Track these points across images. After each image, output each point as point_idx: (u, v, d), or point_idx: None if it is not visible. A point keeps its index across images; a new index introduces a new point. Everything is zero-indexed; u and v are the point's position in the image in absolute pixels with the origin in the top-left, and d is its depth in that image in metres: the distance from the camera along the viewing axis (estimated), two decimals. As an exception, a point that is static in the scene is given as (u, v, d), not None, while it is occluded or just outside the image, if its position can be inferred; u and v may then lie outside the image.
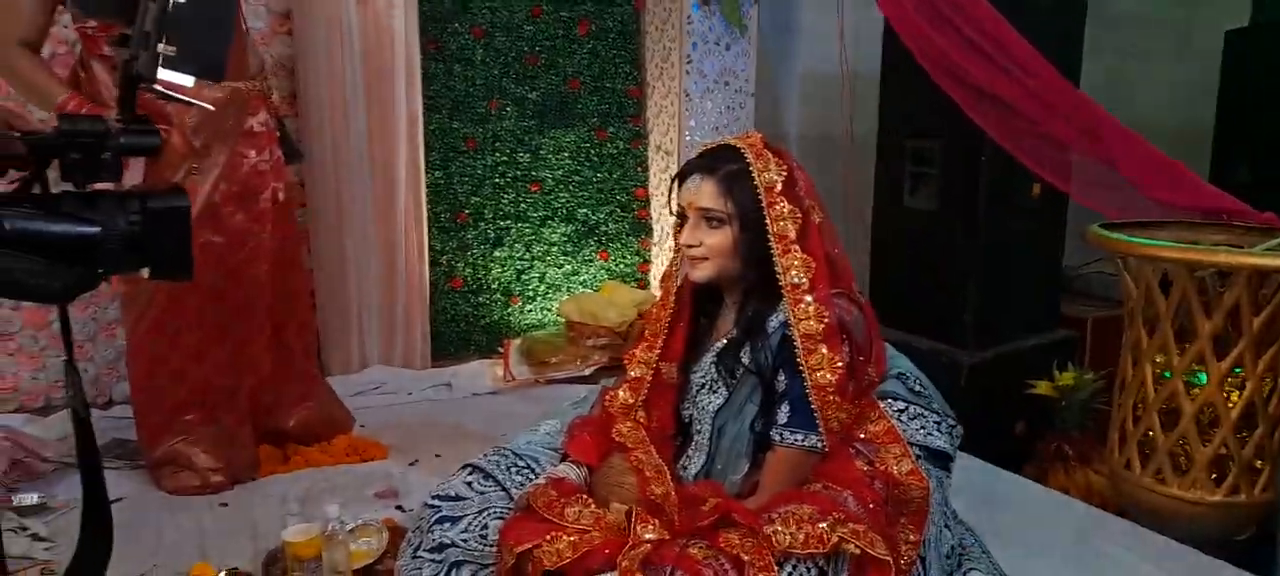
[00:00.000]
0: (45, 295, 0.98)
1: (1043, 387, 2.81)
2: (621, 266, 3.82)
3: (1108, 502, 2.49)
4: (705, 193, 1.55)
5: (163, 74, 1.05)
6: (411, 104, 3.20)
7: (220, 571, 1.58)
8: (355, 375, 3.21)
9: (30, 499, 2.17)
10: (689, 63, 3.46)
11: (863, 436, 1.54)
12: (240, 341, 2.34)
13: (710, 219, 1.55)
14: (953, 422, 1.67)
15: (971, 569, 1.69)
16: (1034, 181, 2.91)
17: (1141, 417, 2.37)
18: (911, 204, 3.16)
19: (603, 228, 3.76)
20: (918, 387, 1.64)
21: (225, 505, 2.22)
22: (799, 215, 1.53)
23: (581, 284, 3.76)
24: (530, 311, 3.70)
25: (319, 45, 3.01)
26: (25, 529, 2.06)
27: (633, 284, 3.81)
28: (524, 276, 3.66)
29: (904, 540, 1.46)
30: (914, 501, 1.47)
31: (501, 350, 3.38)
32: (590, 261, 3.76)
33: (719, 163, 1.56)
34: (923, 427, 1.58)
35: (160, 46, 1.03)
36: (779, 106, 3.96)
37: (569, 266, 3.73)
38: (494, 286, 3.62)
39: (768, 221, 1.52)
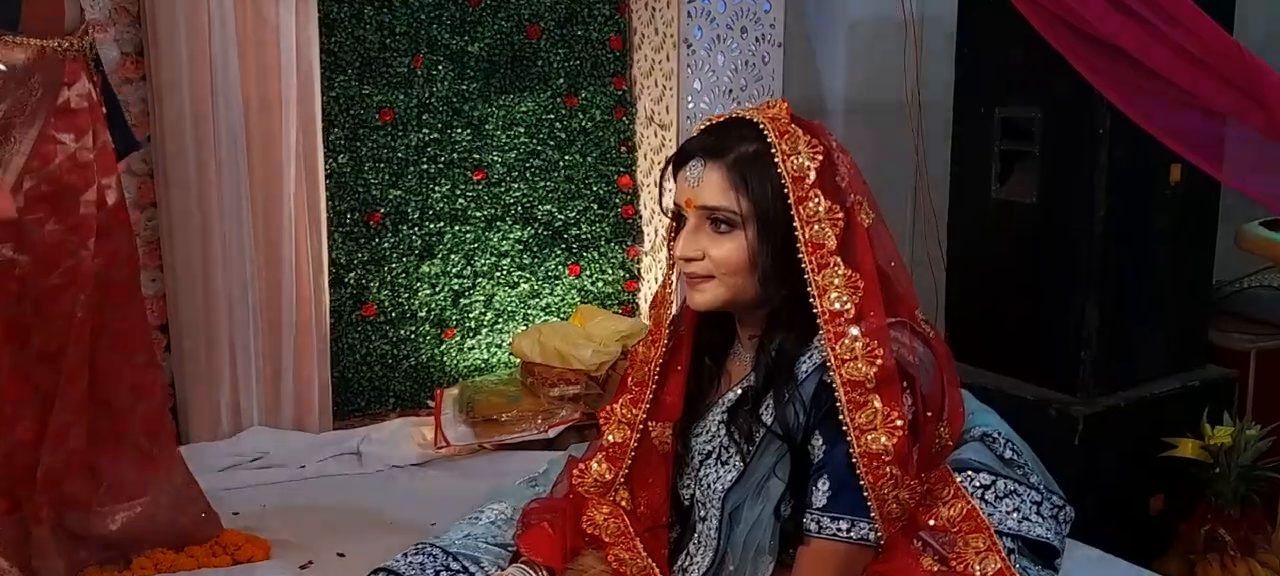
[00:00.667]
0: None
1: (1188, 448, 2.81)
2: (600, 285, 3.83)
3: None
4: (710, 185, 1.55)
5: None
6: (304, 60, 3.22)
7: None
8: (225, 442, 3.23)
9: None
10: (691, 1, 3.49)
11: (933, 524, 1.54)
12: (45, 401, 2.32)
13: (717, 221, 1.56)
14: (1059, 502, 1.68)
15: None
16: (1173, 163, 2.92)
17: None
18: (1002, 195, 3.17)
19: (574, 231, 3.78)
20: (1009, 453, 1.65)
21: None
22: (839, 215, 1.53)
23: (544, 310, 3.77)
24: (472, 349, 3.72)
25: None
26: None
27: (615, 308, 3.81)
28: (463, 300, 3.68)
29: (990, 668, 1.46)
30: (1005, 614, 1.47)
31: (432, 404, 3.38)
32: (556, 278, 3.78)
33: (729, 143, 1.57)
34: (1016, 509, 1.58)
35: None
36: (818, 64, 3.98)
37: (527, 286, 3.75)
38: (421, 314, 3.63)
39: (797, 225, 1.53)
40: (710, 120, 1.65)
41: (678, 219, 1.62)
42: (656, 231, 3.79)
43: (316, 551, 2.57)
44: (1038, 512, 1.60)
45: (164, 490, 2.56)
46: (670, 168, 1.63)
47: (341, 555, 2.54)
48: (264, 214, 3.24)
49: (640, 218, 3.86)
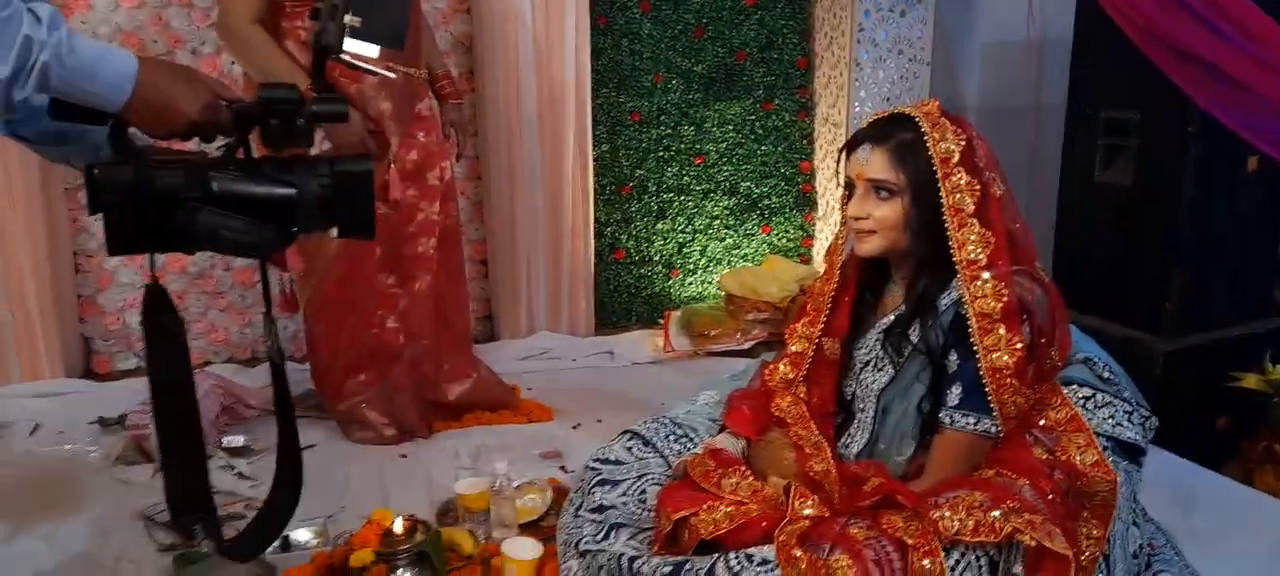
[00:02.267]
0: (248, 250, 1.07)
1: (1251, 381, 2.54)
2: (784, 241, 3.76)
3: (1325, 513, 2.23)
4: (876, 163, 1.49)
5: (349, 44, 1.11)
6: (580, 79, 3.26)
7: (398, 517, 1.68)
8: (523, 340, 3.34)
9: (237, 441, 2.39)
10: (861, 31, 3.34)
11: (1042, 423, 1.44)
12: (406, 310, 2.46)
13: (880, 190, 1.49)
14: (1146, 413, 1.54)
15: (1162, 571, 1.56)
16: (1251, 155, 2.62)
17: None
18: (1104, 179, 2.92)
19: (766, 201, 3.70)
20: (1107, 374, 1.52)
21: (404, 457, 2.37)
22: (977, 187, 1.45)
23: (743, 258, 3.72)
24: (690, 284, 3.71)
25: (495, 23, 3.11)
26: (232, 467, 2.27)
27: (795, 259, 3.74)
28: (685, 249, 3.67)
29: (1086, 536, 1.36)
30: (1099, 495, 1.37)
31: (662, 321, 3.41)
32: (752, 235, 3.72)
33: (891, 131, 1.50)
34: (1111, 416, 1.46)
35: (347, 18, 1.10)
36: (956, 77, 3.75)
37: (730, 239, 3.71)
38: (655, 258, 3.64)
39: (943, 193, 1.45)
40: (876, 115, 1.58)
41: (849, 188, 1.56)
42: (827, 202, 3.68)
43: (583, 417, 2.63)
44: (1129, 420, 1.48)
45: (479, 375, 2.67)
46: (845, 151, 1.57)
47: (600, 421, 2.60)
48: (551, 186, 3.30)
49: (815, 192, 3.75)
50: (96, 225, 3.00)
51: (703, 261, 3.70)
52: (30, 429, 2.56)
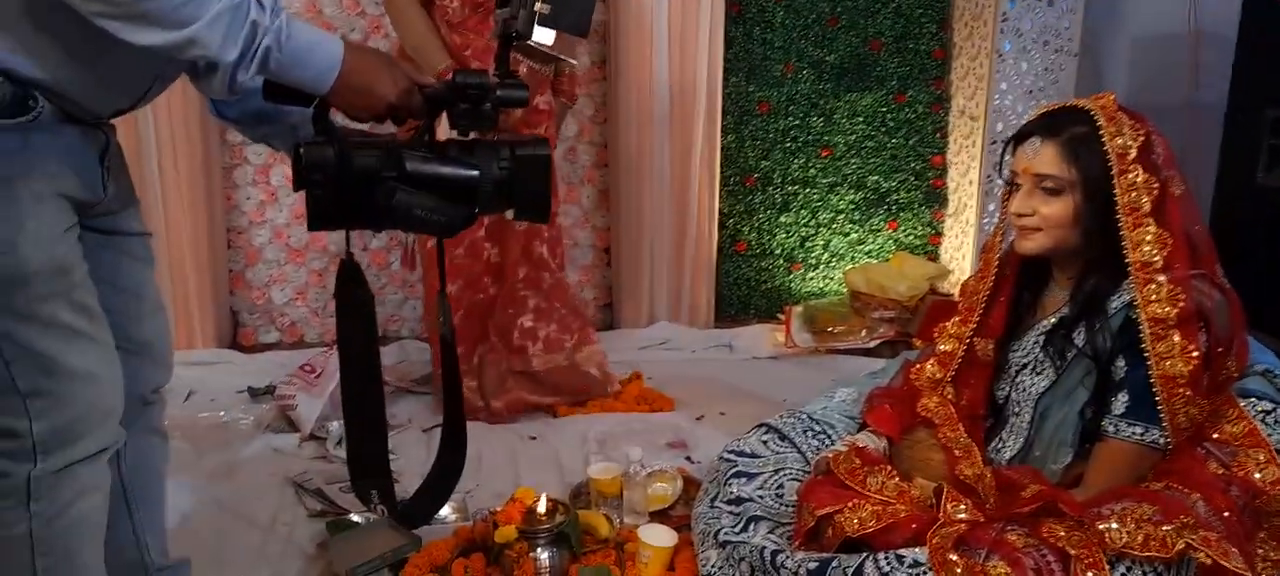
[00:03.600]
0: (437, 229, 1.13)
1: None
2: (911, 237, 3.68)
3: None
4: (1045, 157, 1.46)
5: (538, 32, 1.17)
6: (712, 67, 3.27)
7: (541, 496, 1.74)
8: (643, 329, 3.38)
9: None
10: (1004, 20, 3.24)
11: (1217, 437, 1.39)
12: (492, 288, 2.53)
13: (1048, 186, 1.46)
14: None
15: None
16: None
17: None
18: (1268, 181, 2.77)
19: (894, 196, 3.64)
20: (1289, 386, 1.45)
21: (534, 438, 2.44)
22: (1155, 186, 1.40)
23: (867, 254, 3.67)
24: (811, 279, 3.67)
25: (630, 11, 3.16)
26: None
27: (922, 256, 3.66)
28: (808, 243, 3.64)
29: (1263, 558, 1.30)
30: (1279, 515, 1.30)
31: (782, 316, 3.38)
32: (878, 231, 3.66)
33: (1063, 124, 1.46)
34: (1294, 433, 1.39)
35: (537, 5, 1.15)
36: (1103, 70, 3.60)
37: (855, 235, 3.66)
38: (777, 251, 3.63)
39: (1117, 191, 1.40)
40: (1046, 107, 1.54)
41: (1013, 184, 1.53)
42: (959, 199, 3.58)
43: (705, 409, 2.65)
44: (1314, 437, 1.40)
45: (579, 353, 2.65)
46: (1011, 144, 1.54)
47: (723, 414, 2.61)
48: (678, 174, 3.33)
49: (946, 188, 3.66)
50: (248, 203, 3.20)
51: (826, 256, 3.66)
52: (185, 395, 2.75)
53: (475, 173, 1.16)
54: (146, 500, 1.40)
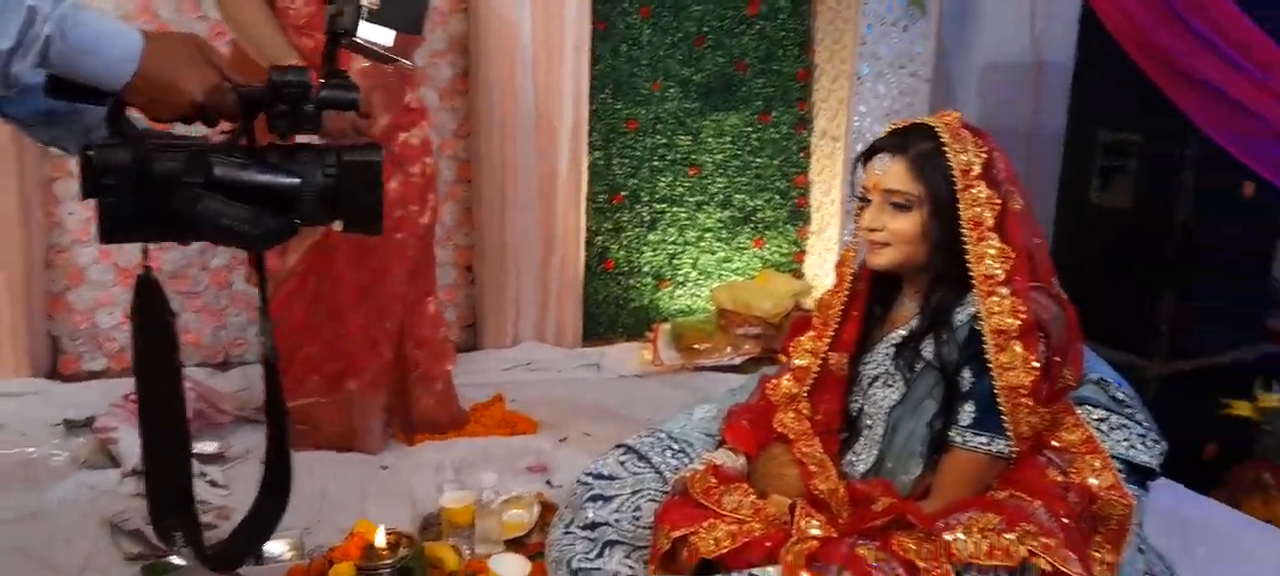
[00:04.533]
0: (248, 241, 1.03)
1: (1241, 408, 2.56)
2: (776, 255, 3.74)
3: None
4: (893, 173, 1.48)
5: (363, 29, 1.09)
6: (578, 82, 3.24)
7: (380, 530, 1.64)
8: (508, 349, 3.29)
9: (210, 447, 2.34)
10: (862, 44, 3.35)
11: (1056, 444, 1.43)
12: (375, 311, 2.39)
13: (897, 202, 1.48)
14: (1157, 437, 1.53)
15: (1165, 595, 1.55)
16: (1246, 180, 2.66)
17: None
18: (1101, 201, 2.96)
19: (759, 215, 3.69)
20: (1120, 395, 1.51)
21: (385, 468, 2.33)
22: (997, 201, 1.44)
23: (734, 271, 3.70)
24: (680, 297, 3.67)
25: (492, 24, 3.09)
26: (204, 474, 2.21)
27: (788, 273, 3.72)
28: (675, 260, 3.64)
29: (1099, 561, 1.34)
30: (1114, 519, 1.35)
31: (650, 334, 3.37)
32: (744, 249, 3.71)
33: (910, 142, 1.49)
34: (1125, 439, 1.44)
35: (364, 1, 1.07)
36: (955, 95, 3.77)
37: (722, 253, 3.69)
38: (645, 270, 3.62)
39: (961, 206, 1.43)
40: (894, 125, 1.56)
41: (864, 200, 1.55)
42: (822, 217, 3.67)
43: (569, 430, 2.61)
44: (1142, 443, 1.46)
45: (440, 387, 2.57)
46: (861, 161, 1.55)
47: (588, 434, 2.57)
48: (543, 192, 3.27)
49: (809, 207, 3.74)
50: (71, 220, 2.94)
51: (694, 274, 3.67)
52: (-7, 428, 2.49)
53: (296, 181, 1.06)
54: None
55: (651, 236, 3.60)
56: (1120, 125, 2.88)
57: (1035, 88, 3.60)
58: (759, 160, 3.64)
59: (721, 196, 3.63)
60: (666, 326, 3.40)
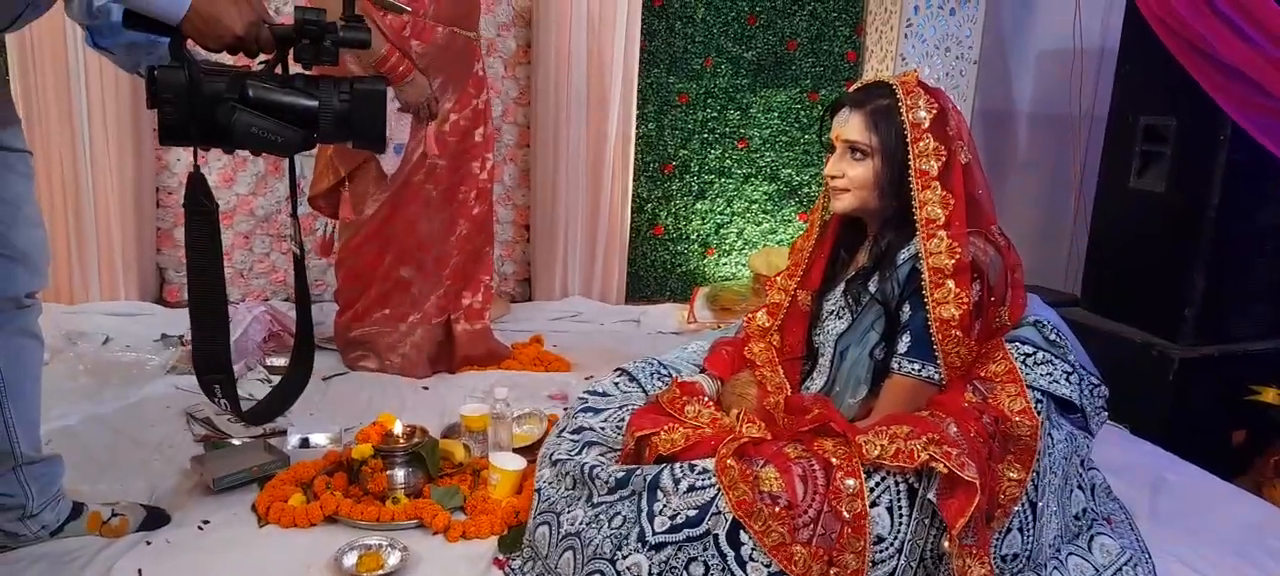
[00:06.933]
0: (274, 148, 1.29)
1: (1269, 395, 2.56)
2: (823, 231, 3.85)
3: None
4: (852, 125, 1.63)
5: (380, -19, 1.32)
6: (628, 56, 3.44)
7: (399, 422, 1.89)
8: (557, 302, 3.54)
9: (279, 361, 2.66)
10: (908, 26, 3.44)
11: (983, 375, 1.56)
12: (436, 258, 2.67)
13: (855, 151, 1.63)
14: (1096, 381, 1.64)
15: (1101, 535, 1.66)
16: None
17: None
18: (1138, 185, 2.97)
19: (805, 189, 3.82)
20: (1053, 337, 1.62)
21: (426, 388, 2.59)
22: (944, 153, 1.57)
23: (778, 243, 3.84)
24: (725, 265, 3.85)
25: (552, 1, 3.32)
26: (271, 381, 2.53)
27: (832, 249, 3.83)
28: (722, 230, 3.81)
29: (1005, 475, 1.47)
30: (1022, 439, 1.48)
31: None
32: (789, 221, 3.84)
33: (869, 97, 1.64)
34: (1048, 374, 1.56)
35: (379, -46, 1.31)
36: (1008, 81, 3.82)
37: (768, 224, 3.83)
38: (693, 237, 3.80)
39: (910, 157, 1.58)
40: (861, 82, 1.72)
41: (831, 149, 1.70)
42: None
43: (599, 372, 2.80)
44: (1067, 379, 1.57)
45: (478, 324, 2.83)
46: (829, 113, 1.71)
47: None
48: (593, 160, 3.49)
49: (858, 186, 3.84)
50: (178, 165, 3.33)
51: (739, 244, 3.84)
52: (102, 339, 2.87)
53: (314, 102, 1.31)
54: (19, 396, 1.54)
55: (700, 205, 3.78)
56: (1158, 109, 2.90)
57: (1086, 73, 3.61)
58: (807, 137, 3.77)
59: (769, 170, 3.78)
60: (705, 289, 3.56)
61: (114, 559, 1.58)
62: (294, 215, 1.48)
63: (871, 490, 1.38)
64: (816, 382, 1.72)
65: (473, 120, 2.66)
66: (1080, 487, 1.67)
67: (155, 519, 1.71)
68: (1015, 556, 1.48)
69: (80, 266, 3.18)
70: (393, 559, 1.55)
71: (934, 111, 1.59)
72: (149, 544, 1.63)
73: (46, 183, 3.05)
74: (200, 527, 1.71)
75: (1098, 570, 1.59)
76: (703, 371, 1.89)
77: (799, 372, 1.77)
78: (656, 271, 3.80)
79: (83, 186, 3.11)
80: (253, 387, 2.46)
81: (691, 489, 1.40)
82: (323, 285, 3.52)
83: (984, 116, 3.76)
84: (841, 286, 1.72)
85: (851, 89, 1.70)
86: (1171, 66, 2.61)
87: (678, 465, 1.47)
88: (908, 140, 1.59)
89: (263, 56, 1.38)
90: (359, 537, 1.63)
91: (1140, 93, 3.00)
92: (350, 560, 1.55)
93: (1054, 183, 3.72)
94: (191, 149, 1.34)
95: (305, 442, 2.06)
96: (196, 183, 1.34)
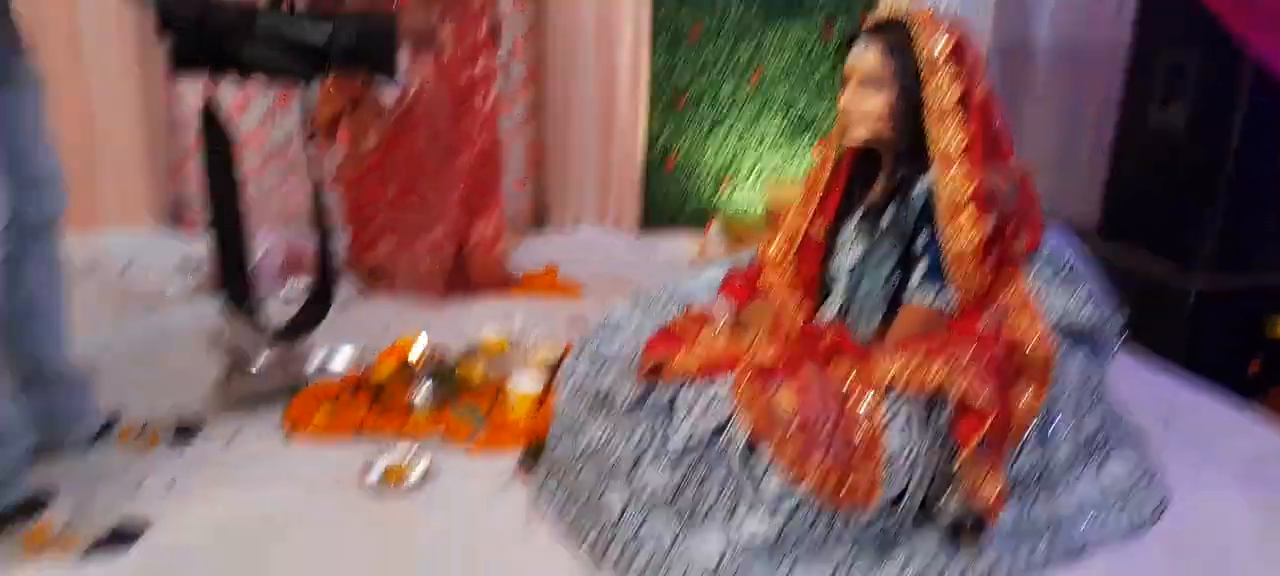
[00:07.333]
0: (282, 76, 1.32)
1: (1280, 328, 2.59)
2: (835, 164, 3.84)
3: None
4: (868, 58, 1.63)
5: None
6: (647, -10, 3.40)
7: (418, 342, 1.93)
8: (570, 232, 3.57)
9: (299, 286, 2.70)
10: (925, -43, 3.38)
11: (999, 302, 1.58)
12: (443, 184, 2.69)
13: (870, 84, 1.63)
14: (1106, 304, 1.67)
15: (1115, 455, 1.70)
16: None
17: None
18: (1159, 117, 2.97)
19: (818, 122, 3.80)
20: (1069, 267, 1.64)
21: (442, 313, 2.63)
22: (959, 87, 1.57)
23: (793, 176, 3.83)
24: (737, 196, 3.84)
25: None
26: (289, 308, 2.57)
27: (844, 181, 3.82)
28: (736, 162, 3.80)
29: (1019, 399, 1.50)
30: (1036, 366, 1.51)
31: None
32: (803, 155, 3.83)
33: (886, 30, 1.64)
34: (1064, 301, 1.58)
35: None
36: (1028, 11, 3.76)
37: (781, 157, 3.82)
38: (707, 170, 3.79)
39: (925, 90, 1.58)
40: (877, 15, 1.71)
41: (846, 81, 1.70)
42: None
43: (611, 299, 2.84)
44: (1083, 306, 1.60)
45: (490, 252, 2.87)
46: (845, 46, 1.71)
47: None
48: (603, 92, 3.49)
49: (872, 120, 3.81)
50: (193, 93, 3.32)
51: (753, 177, 3.83)
52: (123, 266, 2.92)
53: (321, 37, 1.34)
54: (46, 312, 1.58)
55: (713, 139, 3.76)
56: (1180, 43, 2.88)
57: (1109, 7, 3.55)
58: (821, 70, 3.73)
59: (781, 102, 3.75)
60: (719, 219, 3.57)
61: (147, 470, 1.63)
62: (307, 144, 1.50)
63: (884, 412, 1.42)
64: (830, 313, 1.74)
65: (472, 50, 2.66)
66: (1093, 412, 1.70)
67: (185, 432, 1.77)
68: (1027, 476, 1.52)
69: (90, 192, 3.20)
70: (418, 471, 1.61)
71: (950, 45, 1.59)
72: (181, 455, 1.69)
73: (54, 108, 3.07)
74: (228, 442, 1.77)
75: (1107, 491, 1.63)
76: (718, 298, 1.92)
77: (813, 302, 1.79)
78: (671, 204, 3.80)
79: (94, 112, 3.13)
80: (272, 314, 2.49)
81: (708, 408, 1.43)
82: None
83: (1001, 50, 3.71)
84: (856, 218, 1.74)
85: (867, 22, 1.69)
86: (1194, 3, 2.58)
87: (692, 386, 1.51)
88: (924, 73, 1.59)
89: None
90: (384, 451, 1.69)
91: (1162, 27, 2.97)
92: (376, 472, 1.61)
93: (1073, 117, 3.68)
94: (203, 78, 1.37)
95: (325, 365, 2.10)
96: (212, 109, 1.37)
